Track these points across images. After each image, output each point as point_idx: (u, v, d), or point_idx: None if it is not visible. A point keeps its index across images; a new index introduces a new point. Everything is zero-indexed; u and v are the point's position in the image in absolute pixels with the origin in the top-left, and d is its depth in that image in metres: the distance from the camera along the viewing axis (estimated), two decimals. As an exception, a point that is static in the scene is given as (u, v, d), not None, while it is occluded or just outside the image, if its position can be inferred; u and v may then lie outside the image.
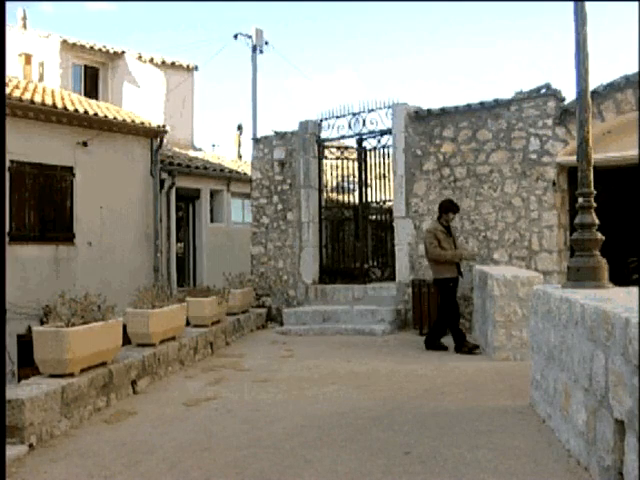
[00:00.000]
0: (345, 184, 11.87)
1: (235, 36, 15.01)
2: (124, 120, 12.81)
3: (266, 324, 10.65)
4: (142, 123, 13.16)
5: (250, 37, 15.06)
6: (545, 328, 4.14)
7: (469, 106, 9.32)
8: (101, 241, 12.29)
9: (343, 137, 11.12)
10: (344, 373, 6.36)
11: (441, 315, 7.71)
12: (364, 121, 10.57)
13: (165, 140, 13.78)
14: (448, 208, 7.72)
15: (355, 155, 11.18)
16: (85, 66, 16.29)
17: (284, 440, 4.17)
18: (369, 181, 11.02)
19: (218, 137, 47.66)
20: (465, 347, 7.30)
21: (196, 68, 17.10)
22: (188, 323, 7.92)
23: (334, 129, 10.92)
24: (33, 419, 4.20)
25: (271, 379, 6.20)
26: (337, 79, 52.72)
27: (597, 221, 4.22)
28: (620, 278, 5.60)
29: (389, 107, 10.16)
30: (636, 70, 7.80)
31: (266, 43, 15.26)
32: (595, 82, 8.23)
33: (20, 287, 10.60)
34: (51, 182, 11.60)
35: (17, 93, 11.40)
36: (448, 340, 7.63)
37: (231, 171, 16.13)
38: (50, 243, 11.56)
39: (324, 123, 11.06)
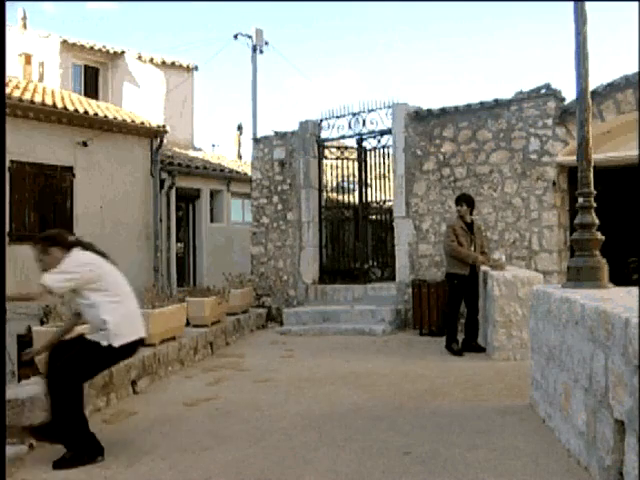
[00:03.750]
0: (345, 184, 11.88)
1: (235, 36, 15.00)
2: (124, 120, 12.81)
3: (266, 324, 10.65)
4: (142, 123, 13.16)
5: (250, 37, 15.04)
6: (545, 328, 4.14)
7: (469, 106, 9.32)
8: (101, 241, 12.10)
9: (343, 137, 11.13)
10: (344, 373, 6.36)
11: (446, 312, 7.65)
12: (364, 121, 10.58)
13: (165, 140, 13.77)
14: (456, 201, 7.62)
15: (355, 155, 11.18)
16: (85, 66, 16.27)
17: (284, 440, 4.17)
18: (369, 181, 11.02)
19: (218, 137, 47.60)
20: (451, 348, 7.24)
21: (196, 68, 17.08)
22: (188, 323, 7.92)
23: (334, 129, 10.93)
24: (33, 419, 4.20)
25: (271, 379, 6.20)
26: (337, 79, 52.75)
27: (597, 221, 4.22)
28: (620, 278, 5.60)
29: (389, 107, 10.16)
30: (636, 70, 7.80)
31: (266, 43, 15.25)
32: (595, 82, 8.23)
33: (20, 287, 10.56)
34: (51, 182, 11.60)
35: (17, 93, 11.40)
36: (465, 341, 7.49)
37: (231, 171, 16.13)
38: (50, 243, 11.55)
39: (324, 123, 11.06)
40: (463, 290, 7.41)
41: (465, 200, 7.55)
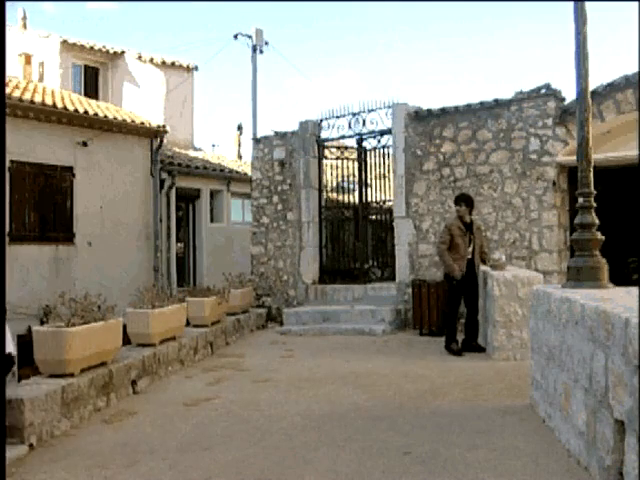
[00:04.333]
0: (345, 184, 11.88)
1: (235, 36, 15.01)
2: (124, 120, 12.81)
3: (266, 324, 10.65)
4: (142, 123, 13.16)
5: (250, 37, 15.05)
6: (545, 328, 4.14)
7: (469, 106, 9.32)
8: (101, 241, 12.28)
9: (343, 137, 11.13)
10: (344, 373, 6.36)
11: (445, 313, 7.67)
12: (364, 121, 10.58)
13: (165, 140, 13.77)
14: (455, 201, 7.62)
15: (355, 155, 11.18)
16: (85, 66, 16.27)
17: (284, 440, 4.17)
18: (369, 181, 11.02)
19: (218, 137, 47.63)
20: (451, 348, 7.25)
21: (196, 68, 17.08)
22: (188, 323, 7.92)
23: (334, 129, 10.93)
24: (33, 419, 4.21)
25: (271, 379, 6.20)
26: (337, 79, 52.75)
27: (597, 221, 4.22)
28: (620, 278, 5.60)
29: (389, 107, 10.16)
30: (636, 70, 7.80)
31: (266, 43, 15.26)
32: (595, 82, 8.23)
33: (20, 287, 10.59)
34: (51, 182, 11.60)
35: (17, 93, 11.39)
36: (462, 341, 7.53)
37: (231, 171, 16.13)
38: (50, 243, 11.55)
39: (324, 123, 11.06)
40: (461, 290, 7.41)
41: (464, 200, 7.54)
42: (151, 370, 6.15)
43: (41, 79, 15.11)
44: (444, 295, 8.83)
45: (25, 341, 9.33)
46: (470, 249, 7.42)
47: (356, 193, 11.32)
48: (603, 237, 4.21)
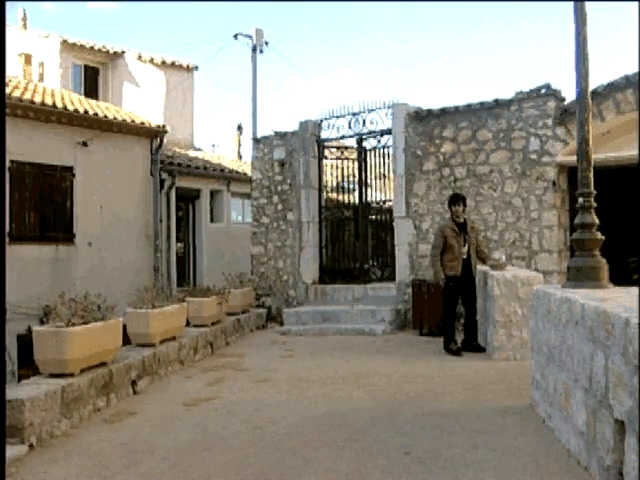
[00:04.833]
0: (345, 184, 11.87)
1: (235, 36, 15.04)
2: (124, 120, 12.81)
3: (266, 324, 10.65)
4: (142, 123, 13.16)
5: (250, 37, 15.07)
6: (545, 328, 4.14)
7: (469, 106, 9.32)
8: (101, 241, 12.28)
9: (343, 137, 11.13)
10: (344, 373, 6.36)
11: (443, 314, 7.68)
12: (364, 121, 10.58)
13: (165, 140, 13.77)
14: (449, 202, 7.63)
15: (355, 155, 11.18)
16: (85, 66, 16.28)
17: (284, 440, 4.17)
18: (369, 181, 11.02)
19: (218, 137, 47.69)
20: (450, 349, 7.25)
21: (196, 68, 17.10)
22: (188, 323, 7.92)
23: (334, 129, 10.94)
24: (33, 419, 4.20)
25: (271, 379, 6.20)
26: (337, 79, 52.75)
27: (597, 221, 4.22)
28: (620, 278, 5.60)
29: (389, 107, 10.16)
30: (636, 70, 7.80)
31: (266, 43, 15.28)
32: (595, 82, 8.23)
33: (20, 287, 10.58)
34: (51, 182, 11.60)
35: (17, 93, 11.39)
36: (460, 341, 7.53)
37: (231, 171, 16.14)
38: (50, 243, 11.56)
39: (324, 123, 11.06)
40: (458, 290, 7.41)
41: (462, 200, 7.56)
42: (151, 370, 6.15)
43: (41, 79, 15.11)
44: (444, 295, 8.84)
45: (25, 341, 9.36)
46: (465, 249, 7.41)
47: (356, 193, 11.31)
48: (603, 237, 4.21)
